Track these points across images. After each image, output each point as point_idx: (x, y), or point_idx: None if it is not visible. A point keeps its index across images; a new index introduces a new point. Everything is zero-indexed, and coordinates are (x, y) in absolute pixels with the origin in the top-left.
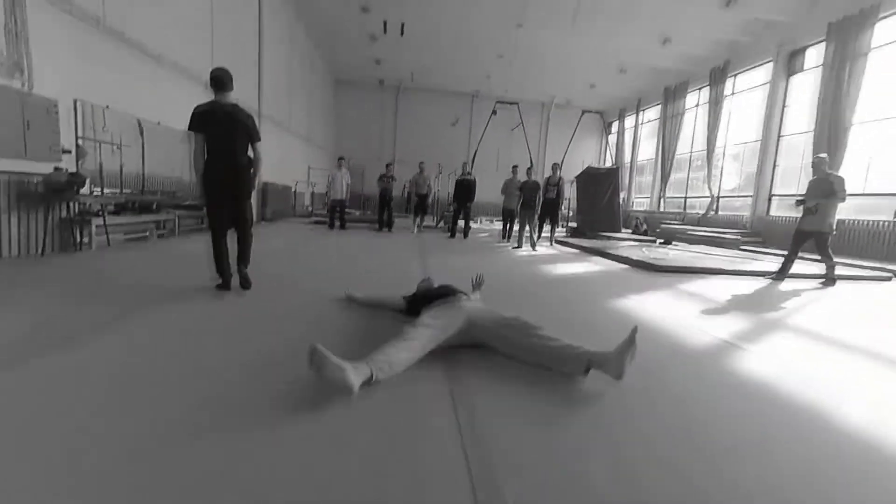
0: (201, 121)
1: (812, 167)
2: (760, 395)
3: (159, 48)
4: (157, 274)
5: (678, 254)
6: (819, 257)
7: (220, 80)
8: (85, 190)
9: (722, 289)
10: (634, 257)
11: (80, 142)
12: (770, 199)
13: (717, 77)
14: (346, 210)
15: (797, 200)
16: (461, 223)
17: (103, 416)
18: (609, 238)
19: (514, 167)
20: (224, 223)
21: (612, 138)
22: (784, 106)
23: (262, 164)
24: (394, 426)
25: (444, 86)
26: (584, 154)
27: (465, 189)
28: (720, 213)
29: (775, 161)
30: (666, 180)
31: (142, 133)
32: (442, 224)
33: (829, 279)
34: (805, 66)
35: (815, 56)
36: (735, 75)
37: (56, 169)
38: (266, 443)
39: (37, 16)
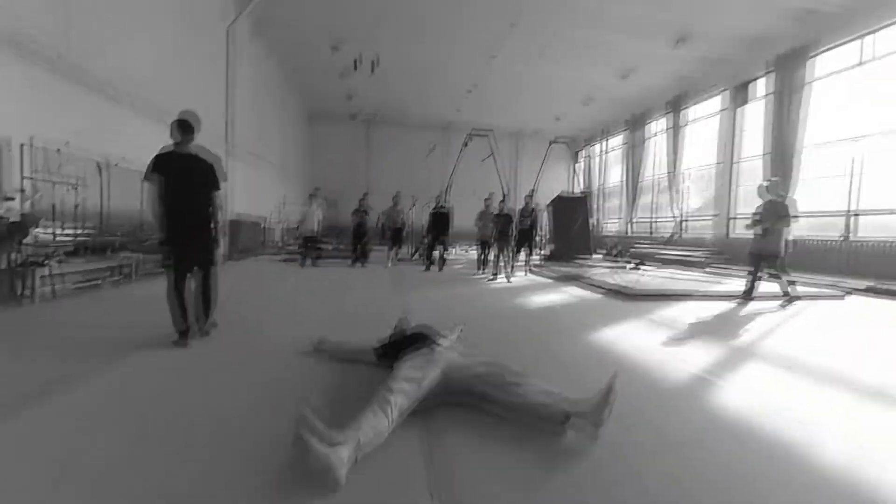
0: (160, 170)
1: (762, 191)
2: (741, 436)
3: (121, 85)
4: (106, 327)
5: (649, 279)
6: (774, 278)
7: (184, 125)
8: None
9: (693, 314)
10: (608, 285)
11: (28, 183)
12: (732, 220)
13: (674, 107)
14: (319, 244)
15: (747, 224)
16: (437, 253)
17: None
18: (582, 264)
19: (488, 198)
20: (184, 271)
21: (581, 165)
22: (737, 132)
23: (221, 213)
24: (363, 501)
25: (417, 118)
26: (555, 181)
27: (440, 221)
28: (686, 233)
29: (733, 183)
30: (633, 204)
31: (100, 172)
32: (417, 255)
33: (788, 297)
34: (753, 97)
35: (762, 87)
36: (691, 106)
37: None
38: None
39: None
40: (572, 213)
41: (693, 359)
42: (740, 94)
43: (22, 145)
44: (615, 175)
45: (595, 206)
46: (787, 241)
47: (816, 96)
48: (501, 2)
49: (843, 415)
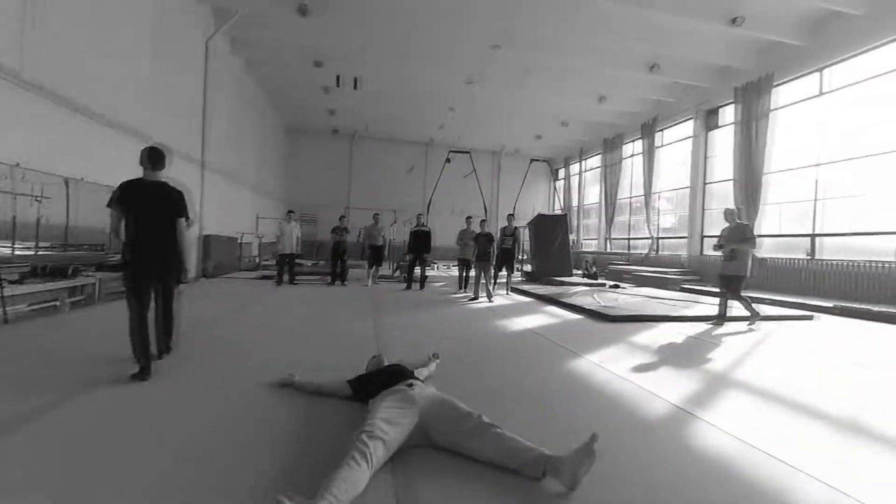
0: (126, 198)
1: (726, 214)
2: (722, 479)
3: (87, 100)
4: (60, 356)
5: (627, 298)
6: (723, 298)
7: (151, 158)
8: None
9: (669, 338)
10: (587, 306)
11: None
12: (702, 240)
13: (647, 130)
14: (297, 262)
15: (714, 245)
16: (418, 271)
17: None
18: (562, 283)
19: (469, 217)
20: (146, 292)
21: (560, 184)
22: (707, 157)
23: (186, 241)
24: None
25: (399, 135)
26: (535, 200)
27: (420, 240)
28: (660, 252)
29: (705, 205)
30: (610, 223)
31: (67, 187)
32: (398, 273)
33: (720, 318)
34: (721, 123)
35: (730, 113)
36: (663, 129)
37: None
38: None
39: None
40: (552, 232)
41: (671, 389)
42: (710, 120)
43: None
44: (593, 194)
45: (574, 224)
46: (752, 262)
47: (781, 124)
48: (483, 27)
49: (821, 444)
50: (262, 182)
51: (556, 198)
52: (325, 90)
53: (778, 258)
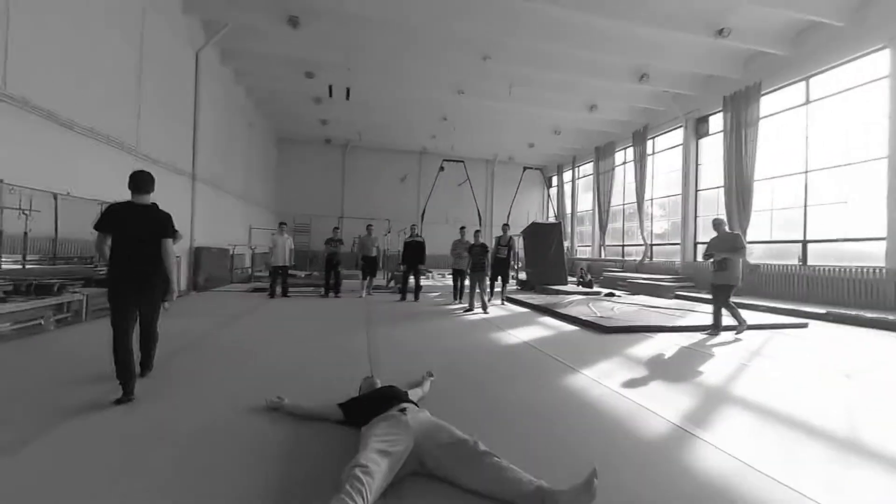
0: (112, 221)
1: (713, 225)
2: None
3: (73, 114)
4: (39, 378)
5: (622, 307)
6: (717, 307)
7: (138, 182)
8: None
9: (665, 350)
10: (583, 317)
11: None
12: (695, 246)
13: (639, 138)
14: (290, 273)
15: (704, 255)
16: (412, 282)
17: None
18: (557, 292)
19: (463, 228)
20: (130, 322)
21: (554, 191)
22: (697, 164)
23: (173, 262)
24: None
25: (392, 144)
26: (529, 207)
27: (414, 251)
28: (654, 259)
29: (696, 212)
30: (604, 230)
31: (56, 201)
32: (392, 284)
33: (714, 328)
34: (711, 131)
35: (719, 121)
36: (654, 137)
37: None
38: None
39: None
40: (547, 240)
41: (668, 406)
42: (700, 128)
43: None
44: (587, 201)
45: (568, 232)
46: (743, 270)
47: (769, 131)
48: (474, 38)
49: (821, 471)
50: (253, 192)
51: (550, 205)
52: (316, 101)
53: (771, 264)
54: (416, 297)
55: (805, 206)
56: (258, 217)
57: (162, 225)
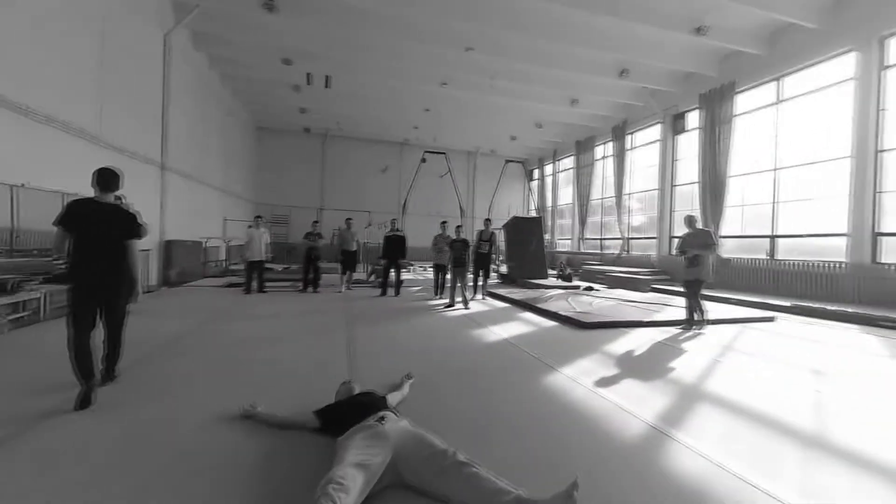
0: (74, 219)
1: (685, 222)
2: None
3: (29, 100)
4: None
5: (600, 302)
6: (690, 302)
7: (106, 180)
8: None
9: (641, 346)
10: (563, 312)
11: None
12: (670, 240)
13: (618, 133)
14: (267, 267)
15: (677, 250)
16: (393, 276)
17: None
18: (537, 286)
19: (444, 222)
20: (89, 324)
21: (535, 184)
22: (674, 160)
23: (138, 264)
24: None
25: (373, 134)
26: (511, 201)
27: (395, 245)
28: (631, 252)
29: (672, 207)
30: (584, 223)
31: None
32: (373, 278)
33: (688, 322)
34: (687, 127)
35: (694, 119)
36: (633, 132)
37: None
38: None
39: None
40: (527, 234)
41: (645, 405)
42: (677, 124)
43: None
44: (567, 195)
45: (549, 225)
46: (714, 265)
47: (743, 129)
48: (457, 29)
49: (789, 465)
50: (229, 183)
51: (532, 198)
52: (295, 88)
53: (741, 258)
54: (397, 292)
55: (774, 202)
56: (234, 208)
57: (128, 225)
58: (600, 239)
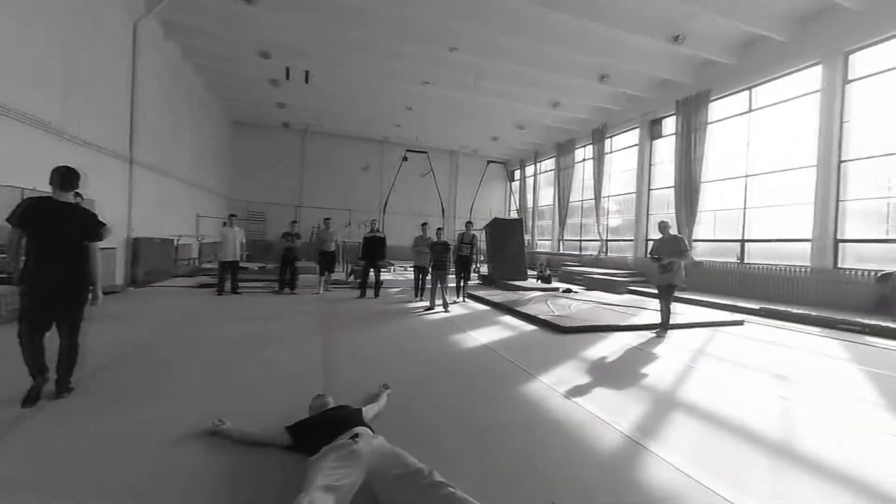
0: (28, 217)
1: (659, 228)
2: None
3: None
4: None
5: (579, 305)
6: (663, 306)
7: (65, 179)
8: None
9: (617, 351)
10: (542, 315)
11: None
12: (647, 243)
13: (598, 136)
14: (242, 267)
15: (650, 257)
16: (372, 277)
17: None
18: (517, 288)
19: (425, 224)
20: (44, 325)
21: (516, 185)
22: (651, 164)
23: (99, 267)
24: None
25: (354, 132)
26: (492, 200)
27: (374, 246)
28: (609, 254)
29: (648, 210)
30: (563, 224)
31: None
32: (352, 279)
33: (662, 327)
34: (664, 133)
35: (670, 125)
36: (612, 136)
37: None
38: None
39: None
40: (508, 236)
41: (621, 414)
42: (654, 129)
43: None
44: (547, 196)
45: (529, 226)
46: (687, 270)
47: (717, 136)
48: (440, 29)
49: (759, 474)
50: (203, 178)
51: (512, 199)
52: (273, 83)
53: (713, 261)
54: (376, 294)
55: (744, 207)
56: (208, 204)
57: (89, 227)
58: (579, 240)
